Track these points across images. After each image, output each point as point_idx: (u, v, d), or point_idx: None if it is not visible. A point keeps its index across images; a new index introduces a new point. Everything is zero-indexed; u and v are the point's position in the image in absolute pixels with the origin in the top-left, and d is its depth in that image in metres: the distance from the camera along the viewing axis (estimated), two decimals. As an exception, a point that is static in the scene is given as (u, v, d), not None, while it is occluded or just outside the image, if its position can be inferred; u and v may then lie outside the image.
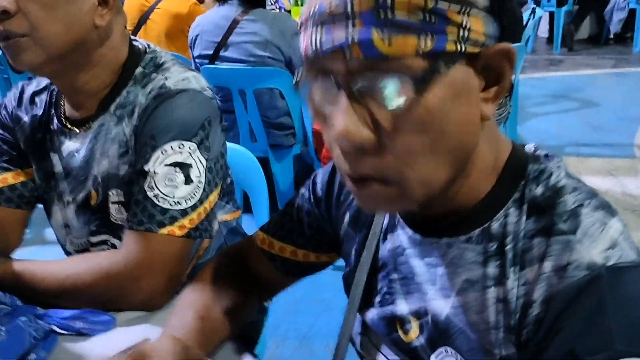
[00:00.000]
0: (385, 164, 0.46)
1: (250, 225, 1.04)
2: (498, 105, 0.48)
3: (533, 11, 2.97)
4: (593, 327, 0.44)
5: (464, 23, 0.43)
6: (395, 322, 0.59)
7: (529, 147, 0.56)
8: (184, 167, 0.82)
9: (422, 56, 0.43)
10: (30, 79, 1.00)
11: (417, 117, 0.44)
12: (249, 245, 0.80)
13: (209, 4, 2.30)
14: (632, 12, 5.56)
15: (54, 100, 0.94)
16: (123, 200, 0.89)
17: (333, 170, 0.71)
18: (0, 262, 0.84)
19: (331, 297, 1.85)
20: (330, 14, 0.44)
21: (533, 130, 3.50)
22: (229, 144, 0.97)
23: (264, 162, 1.68)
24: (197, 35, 2.05)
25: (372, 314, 0.62)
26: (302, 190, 0.76)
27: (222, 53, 2.01)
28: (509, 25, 0.46)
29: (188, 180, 0.82)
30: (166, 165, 0.82)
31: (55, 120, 0.93)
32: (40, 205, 1.00)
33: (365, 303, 0.63)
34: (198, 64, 2.07)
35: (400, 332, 0.59)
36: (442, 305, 0.54)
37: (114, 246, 0.94)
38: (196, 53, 2.08)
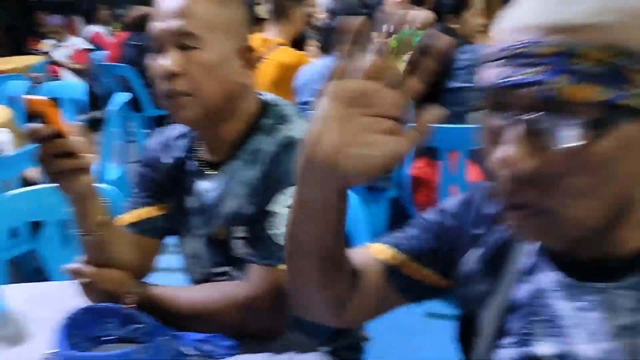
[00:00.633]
0: (543, 195, 0.49)
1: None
2: None
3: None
4: None
5: None
6: None
7: None
8: None
9: (602, 105, 0.46)
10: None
11: (585, 160, 0.47)
12: (362, 252, 0.76)
13: (315, 52, 2.46)
14: None
15: (191, 144, 1.07)
16: (246, 236, 0.99)
17: (476, 193, 0.70)
18: (141, 287, 0.95)
19: (421, 343, 1.85)
20: (520, 52, 0.49)
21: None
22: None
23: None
24: (302, 84, 2.20)
25: (507, 354, 0.61)
26: (434, 209, 0.74)
27: (325, 100, 2.13)
28: None
29: None
30: (286, 207, 0.90)
31: (192, 163, 1.06)
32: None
33: (493, 344, 0.63)
34: (302, 110, 2.21)
35: None
36: (590, 350, 0.54)
37: (233, 278, 1.04)
38: (301, 100, 2.22)
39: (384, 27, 0.52)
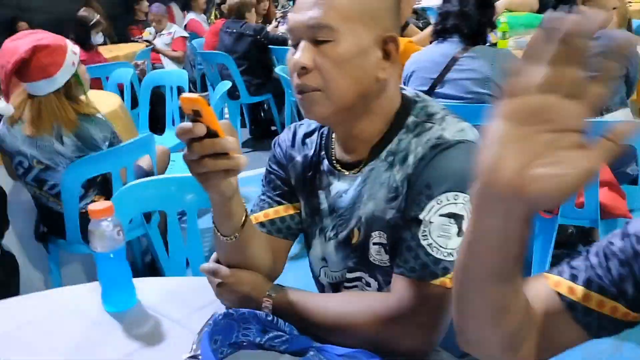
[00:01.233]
0: None
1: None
2: None
3: None
4: None
5: None
6: None
7: None
8: (458, 219, 0.82)
9: None
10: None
11: None
12: (536, 283, 0.69)
13: (423, 40, 2.34)
14: None
15: (323, 142, 1.02)
16: (385, 242, 0.92)
17: None
18: (275, 290, 0.91)
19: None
20: None
21: None
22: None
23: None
24: (412, 72, 2.09)
25: None
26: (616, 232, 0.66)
27: (437, 89, 2.02)
28: None
29: (460, 232, 0.82)
30: (441, 215, 0.82)
31: (325, 162, 1.00)
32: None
33: None
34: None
35: None
36: None
37: (367, 284, 0.98)
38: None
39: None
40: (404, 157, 0.89)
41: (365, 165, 0.94)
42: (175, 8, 7.00)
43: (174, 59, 4.96)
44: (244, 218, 0.88)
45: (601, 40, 0.43)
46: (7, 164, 2.07)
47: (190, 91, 3.66)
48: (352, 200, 0.95)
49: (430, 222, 0.82)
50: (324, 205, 1.00)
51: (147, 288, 1.05)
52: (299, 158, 1.04)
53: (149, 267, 2.54)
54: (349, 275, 0.99)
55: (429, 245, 0.82)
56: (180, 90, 3.39)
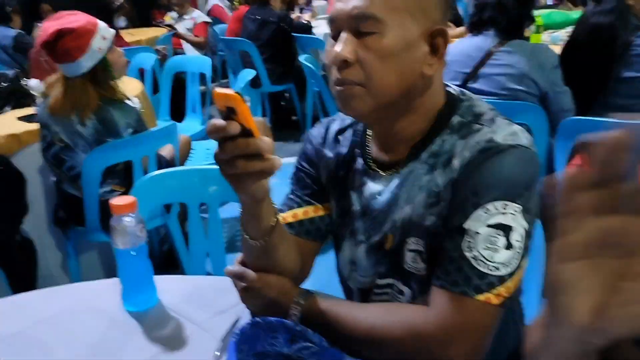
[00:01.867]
0: None
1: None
2: None
3: None
4: None
5: None
6: None
7: None
8: (506, 230, 0.76)
9: None
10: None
11: None
12: None
13: (459, 33, 2.26)
14: None
15: (358, 139, 0.96)
16: (422, 250, 0.86)
17: None
18: (304, 296, 0.86)
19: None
20: None
21: None
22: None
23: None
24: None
25: None
26: None
27: (470, 85, 1.94)
28: None
29: (509, 245, 0.76)
30: (488, 225, 0.76)
31: (359, 160, 0.94)
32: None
33: None
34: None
35: None
36: None
37: (400, 292, 0.92)
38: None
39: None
40: (447, 160, 0.83)
41: (403, 166, 0.88)
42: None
43: (196, 45, 4.90)
44: (274, 221, 0.82)
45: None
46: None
47: (212, 79, 3.61)
48: (387, 203, 0.89)
49: (477, 233, 0.76)
50: (356, 206, 0.94)
51: (167, 287, 1.01)
52: (331, 155, 0.98)
53: (166, 255, 2.51)
54: (380, 282, 0.93)
55: (474, 258, 0.76)
56: (202, 77, 3.34)
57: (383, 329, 0.79)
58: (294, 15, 4.55)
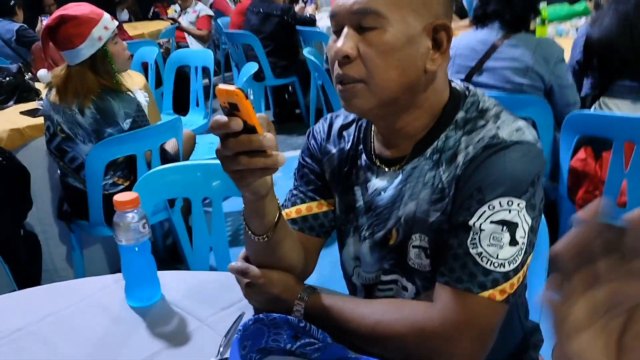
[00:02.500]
0: None
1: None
2: None
3: None
4: None
5: None
6: None
7: None
8: (511, 227, 0.75)
9: None
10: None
11: None
12: None
13: (463, 26, 2.24)
14: None
15: (362, 135, 0.95)
16: (426, 246, 0.86)
17: None
18: (308, 293, 0.86)
19: None
20: None
21: None
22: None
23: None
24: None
25: None
26: None
27: (475, 78, 1.93)
28: None
29: (513, 242, 0.75)
30: (492, 222, 0.76)
31: (363, 156, 0.93)
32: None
33: None
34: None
35: None
36: None
37: (404, 288, 0.91)
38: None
39: None
40: (451, 156, 0.82)
41: (407, 163, 0.87)
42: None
43: (199, 38, 4.89)
44: (277, 217, 0.82)
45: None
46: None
47: (215, 72, 3.60)
48: (391, 199, 0.89)
49: (481, 230, 0.75)
50: (360, 202, 0.94)
51: (171, 283, 1.01)
52: (334, 151, 0.97)
53: (170, 250, 2.52)
54: (384, 278, 0.93)
55: (479, 254, 0.75)
56: (205, 70, 3.33)
57: (387, 325, 0.79)
58: (298, 7, 4.53)
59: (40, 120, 2.16)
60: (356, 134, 0.96)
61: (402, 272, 0.91)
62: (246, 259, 0.90)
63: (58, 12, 1.84)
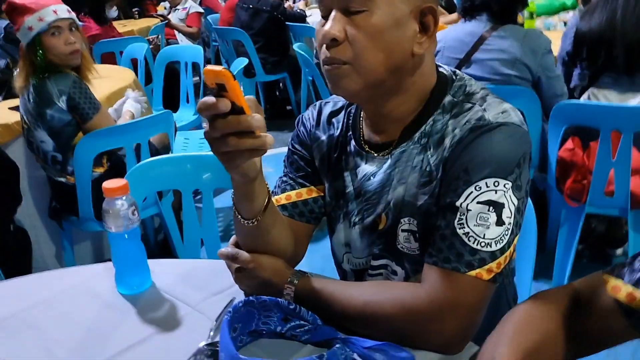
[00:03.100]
0: None
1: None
2: None
3: None
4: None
5: None
6: None
7: None
8: (497, 207, 0.76)
9: None
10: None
11: None
12: (590, 290, 0.70)
13: (452, 20, 2.25)
14: None
15: (351, 122, 0.96)
16: (415, 229, 0.87)
17: None
18: (298, 276, 0.86)
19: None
20: None
21: None
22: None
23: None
24: (438, 52, 2.01)
25: None
26: None
27: (463, 70, 1.94)
28: None
29: (499, 222, 0.76)
30: (479, 202, 0.76)
31: (352, 142, 0.94)
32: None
33: None
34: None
35: None
36: None
37: (394, 272, 0.92)
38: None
39: None
40: (439, 140, 0.83)
41: (395, 147, 0.88)
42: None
43: (189, 35, 4.88)
44: (266, 201, 0.82)
45: None
46: None
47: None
48: (380, 184, 0.89)
49: (468, 210, 0.76)
50: (350, 188, 0.94)
51: (162, 270, 1.01)
52: (324, 138, 0.98)
53: (161, 245, 2.51)
54: (374, 263, 0.94)
55: (466, 234, 0.76)
56: (195, 66, 3.32)
57: (376, 306, 0.79)
58: (287, 4, 4.53)
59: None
60: (345, 120, 0.97)
61: (391, 257, 0.92)
62: (236, 244, 0.90)
63: None
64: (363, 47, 0.79)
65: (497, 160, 0.77)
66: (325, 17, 0.83)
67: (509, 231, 0.77)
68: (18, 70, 1.96)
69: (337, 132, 0.97)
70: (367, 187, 0.91)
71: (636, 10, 1.75)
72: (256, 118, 0.68)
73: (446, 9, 2.89)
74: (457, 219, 0.77)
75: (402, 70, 0.83)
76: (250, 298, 0.79)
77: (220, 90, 0.66)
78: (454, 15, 2.90)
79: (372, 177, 0.91)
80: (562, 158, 1.85)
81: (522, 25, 2.74)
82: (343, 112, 0.98)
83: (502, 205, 0.76)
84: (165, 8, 5.07)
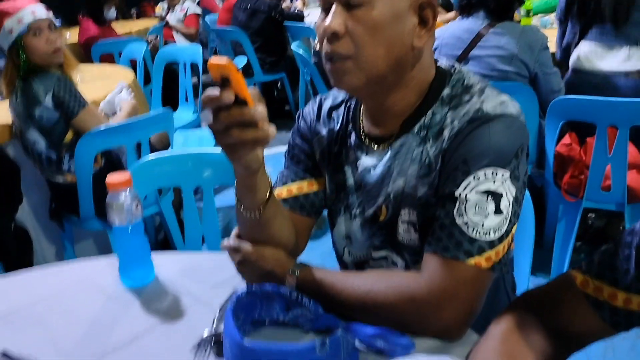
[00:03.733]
0: None
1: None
2: None
3: None
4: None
5: None
6: None
7: None
8: (495, 196, 0.78)
9: None
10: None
11: None
12: (562, 287, 0.72)
13: (449, 18, 2.27)
14: None
15: (351, 115, 0.97)
16: (415, 220, 0.88)
17: None
18: (299, 267, 0.88)
19: None
20: None
21: None
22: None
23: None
24: (435, 49, 2.02)
25: None
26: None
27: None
28: None
29: (498, 211, 0.78)
30: (477, 192, 0.78)
31: (352, 136, 0.95)
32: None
33: None
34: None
35: None
36: None
37: (394, 263, 0.94)
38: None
39: None
40: (438, 132, 0.85)
41: (395, 140, 0.89)
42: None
43: (187, 36, 4.89)
44: (268, 193, 0.84)
45: None
46: None
47: (203, 70, 3.60)
48: (380, 176, 0.91)
49: (466, 199, 0.78)
50: (350, 181, 0.96)
51: (165, 263, 1.02)
52: (324, 132, 0.99)
53: (162, 244, 2.52)
54: (375, 255, 0.95)
55: (465, 223, 0.77)
56: (193, 68, 3.33)
57: (377, 295, 0.80)
58: (285, 4, 4.54)
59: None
60: (345, 114, 0.98)
61: (392, 248, 0.93)
62: (239, 236, 0.91)
63: None
64: (364, 41, 0.80)
65: (495, 150, 0.78)
66: (325, 10, 0.84)
67: (507, 220, 0.78)
68: (2, 75, 1.96)
69: (337, 126, 0.98)
70: (368, 180, 0.93)
71: None
72: (259, 110, 0.69)
73: (443, 7, 2.90)
74: (456, 209, 0.78)
75: (402, 64, 0.84)
76: (253, 287, 0.80)
77: (224, 83, 0.67)
78: (452, 14, 2.92)
79: (372, 170, 0.92)
80: (559, 153, 1.86)
81: (518, 22, 2.76)
82: (343, 106, 0.99)
83: (500, 195, 0.78)
84: (162, 9, 5.08)
